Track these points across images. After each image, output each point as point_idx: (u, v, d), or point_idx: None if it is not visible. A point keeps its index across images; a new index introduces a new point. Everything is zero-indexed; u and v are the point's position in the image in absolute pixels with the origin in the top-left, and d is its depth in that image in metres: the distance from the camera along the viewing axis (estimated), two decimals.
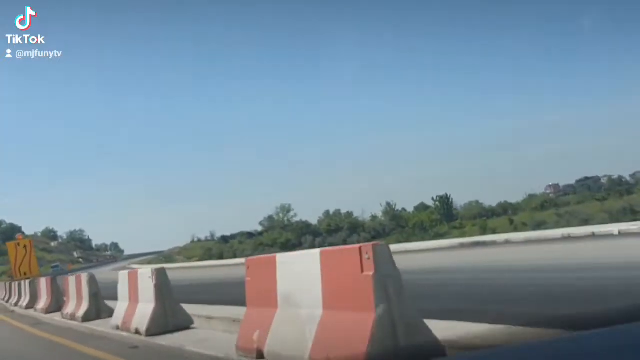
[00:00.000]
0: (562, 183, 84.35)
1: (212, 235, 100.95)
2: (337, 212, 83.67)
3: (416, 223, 69.51)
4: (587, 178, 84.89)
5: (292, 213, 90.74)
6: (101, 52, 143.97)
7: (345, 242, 58.71)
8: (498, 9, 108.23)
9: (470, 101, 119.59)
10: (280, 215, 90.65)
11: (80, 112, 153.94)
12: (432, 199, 74.95)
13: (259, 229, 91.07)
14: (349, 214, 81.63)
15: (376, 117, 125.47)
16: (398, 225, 72.44)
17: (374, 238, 65.28)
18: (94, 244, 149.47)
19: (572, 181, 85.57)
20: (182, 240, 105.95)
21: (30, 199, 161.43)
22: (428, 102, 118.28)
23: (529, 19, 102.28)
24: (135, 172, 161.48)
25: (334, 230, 76.64)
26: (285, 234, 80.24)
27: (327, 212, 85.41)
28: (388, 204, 77.96)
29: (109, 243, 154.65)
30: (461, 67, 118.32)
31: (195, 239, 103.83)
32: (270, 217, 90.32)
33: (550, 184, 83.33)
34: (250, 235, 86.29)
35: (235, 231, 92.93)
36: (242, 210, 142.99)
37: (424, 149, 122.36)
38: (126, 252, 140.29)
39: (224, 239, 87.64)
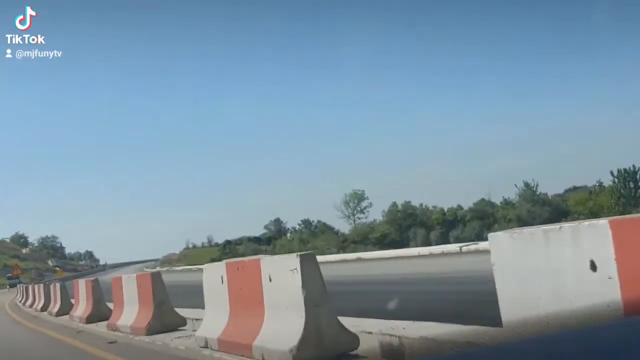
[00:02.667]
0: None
1: (210, 241, 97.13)
2: (408, 204, 71.05)
3: (592, 208, 54.14)
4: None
5: (365, 202, 78.39)
6: (101, 52, 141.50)
7: (478, 236, 46.73)
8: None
9: (467, 105, 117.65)
10: (351, 205, 77.94)
11: (77, 113, 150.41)
12: (611, 173, 57.69)
13: (257, 234, 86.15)
14: (412, 206, 69.46)
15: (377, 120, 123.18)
16: (556, 212, 56.94)
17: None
18: (66, 251, 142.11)
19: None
20: (169, 248, 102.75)
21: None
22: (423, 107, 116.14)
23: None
24: (117, 177, 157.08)
25: (455, 221, 62.84)
26: (380, 227, 66.91)
27: (395, 204, 72.27)
28: (527, 184, 62.49)
29: (82, 251, 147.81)
30: (460, 69, 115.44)
31: (190, 245, 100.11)
32: (277, 220, 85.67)
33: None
34: (257, 239, 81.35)
35: (229, 236, 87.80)
36: (235, 215, 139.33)
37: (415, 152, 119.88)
38: (101, 262, 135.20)
39: (229, 244, 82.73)
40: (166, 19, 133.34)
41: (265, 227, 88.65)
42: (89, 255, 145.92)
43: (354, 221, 78.21)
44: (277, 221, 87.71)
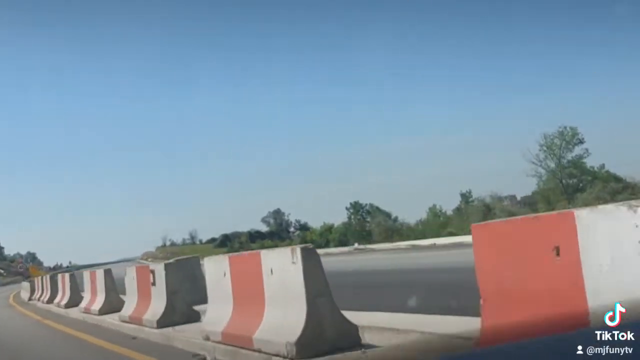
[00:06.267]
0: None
1: (192, 237, 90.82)
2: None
3: None
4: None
5: (582, 150, 53.13)
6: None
7: None
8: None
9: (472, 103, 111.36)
10: (555, 151, 52.71)
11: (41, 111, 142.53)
12: None
13: (253, 228, 77.38)
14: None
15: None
16: None
17: None
18: (5, 252, 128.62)
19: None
20: (140, 247, 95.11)
21: None
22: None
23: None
24: (76, 176, 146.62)
25: None
26: None
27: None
28: None
29: (24, 253, 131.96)
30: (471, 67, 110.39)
31: (168, 243, 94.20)
32: (276, 211, 75.58)
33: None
34: (258, 234, 71.93)
35: (214, 234, 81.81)
36: (217, 210, 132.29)
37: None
38: (46, 264, 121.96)
39: (227, 239, 73.08)
40: (169, 18, 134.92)
41: (263, 219, 79.22)
42: (32, 257, 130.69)
43: (562, 179, 53.69)
44: (278, 213, 77.62)
